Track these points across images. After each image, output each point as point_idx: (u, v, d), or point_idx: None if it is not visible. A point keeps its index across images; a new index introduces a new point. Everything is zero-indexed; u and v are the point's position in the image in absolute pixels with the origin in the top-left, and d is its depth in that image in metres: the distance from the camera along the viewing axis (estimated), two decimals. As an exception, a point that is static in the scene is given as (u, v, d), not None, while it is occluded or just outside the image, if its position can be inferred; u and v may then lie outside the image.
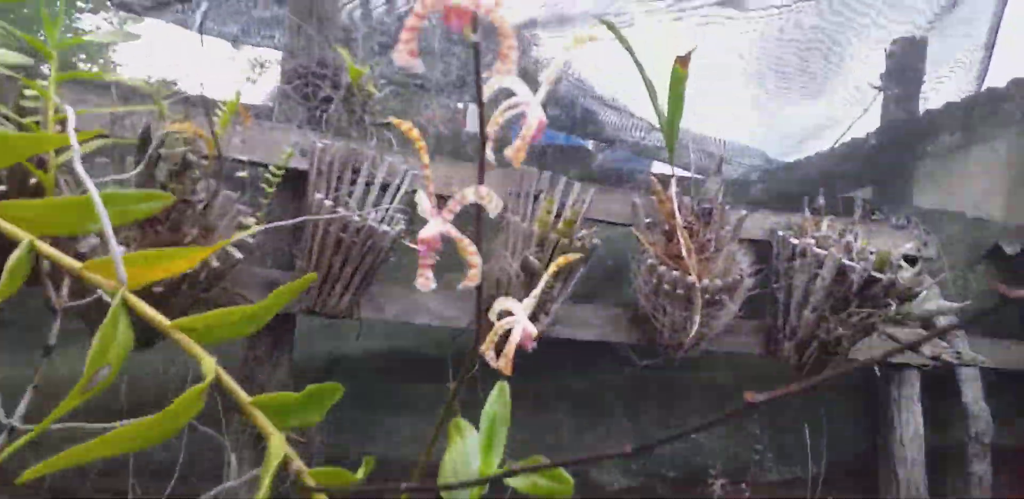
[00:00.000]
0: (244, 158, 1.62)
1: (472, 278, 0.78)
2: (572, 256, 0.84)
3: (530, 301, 0.82)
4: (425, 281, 0.82)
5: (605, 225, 2.07)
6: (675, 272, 1.80)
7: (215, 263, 1.36)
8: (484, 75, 0.65)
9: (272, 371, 1.81)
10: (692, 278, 1.78)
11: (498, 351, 0.81)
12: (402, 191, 1.74)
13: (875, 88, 3.09)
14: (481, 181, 0.73)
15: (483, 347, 0.84)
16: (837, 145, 3.00)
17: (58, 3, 1.13)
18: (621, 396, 2.44)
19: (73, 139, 0.79)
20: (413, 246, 1.66)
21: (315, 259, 1.60)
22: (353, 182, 1.73)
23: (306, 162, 1.73)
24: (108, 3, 2.48)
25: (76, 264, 0.60)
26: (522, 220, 1.78)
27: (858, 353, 2.06)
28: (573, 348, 1.99)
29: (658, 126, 2.08)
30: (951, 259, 2.66)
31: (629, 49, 1.88)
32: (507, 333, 0.81)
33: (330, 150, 1.68)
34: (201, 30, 2.62)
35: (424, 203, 0.76)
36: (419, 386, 2.15)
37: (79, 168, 0.73)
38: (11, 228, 0.60)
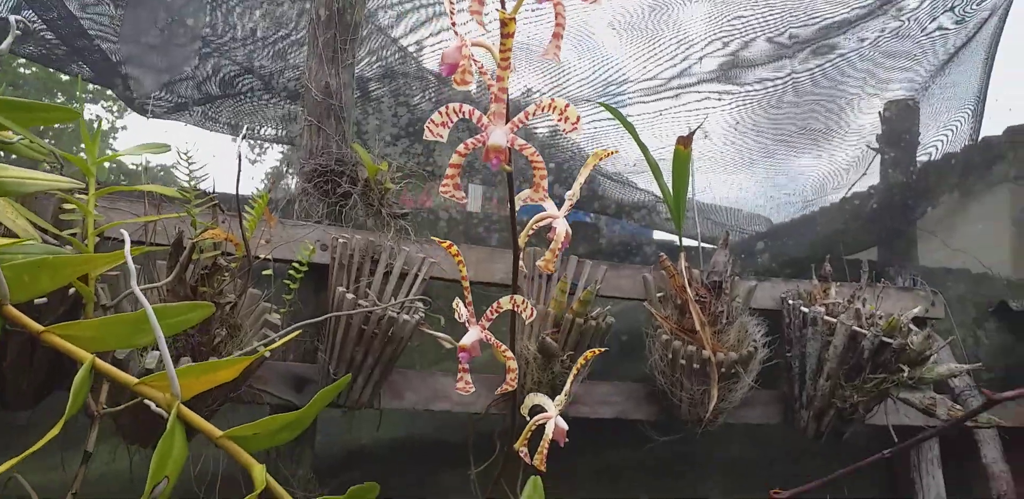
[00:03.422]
0: (269, 256, 1.68)
1: (511, 383, 0.83)
2: (596, 350, 0.89)
3: (562, 398, 0.87)
4: (465, 385, 0.88)
5: (617, 300, 2.12)
6: (690, 346, 1.84)
7: (246, 361, 1.40)
8: (516, 199, 0.72)
9: (295, 467, 1.81)
10: (707, 352, 1.81)
11: (531, 447, 0.86)
12: (419, 279, 1.80)
13: (873, 150, 3.19)
14: (515, 291, 0.78)
15: (516, 444, 0.88)
16: (839, 207, 3.08)
17: (96, 124, 1.21)
18: (641, 471, 2.43)
19: (129, 260, 0.85)
20: (431, 332, 1.71)
21: (338, 352, 1.65)
22: (372, 272, 1.79)
23: (327, 256, 1.80)
24: (128, 109, 2.60)
25: (132, 379, 0.64)
26: (537, 302, 1.83)
27: (874, 419, 2.08)
28: (591, 426, 2.01)
29: (662, 198, 2.16)
30: (959, 317, 2.69)
31: (632, 131, 1.97)
32: (540, 428, 0.86)
33: (350, 244, 1.75)
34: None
35: (462, 311, 0.82)
36: (440, 475, 2.15)
37: (138, 292, 0.78)
38: (70, 347, 0.64)
